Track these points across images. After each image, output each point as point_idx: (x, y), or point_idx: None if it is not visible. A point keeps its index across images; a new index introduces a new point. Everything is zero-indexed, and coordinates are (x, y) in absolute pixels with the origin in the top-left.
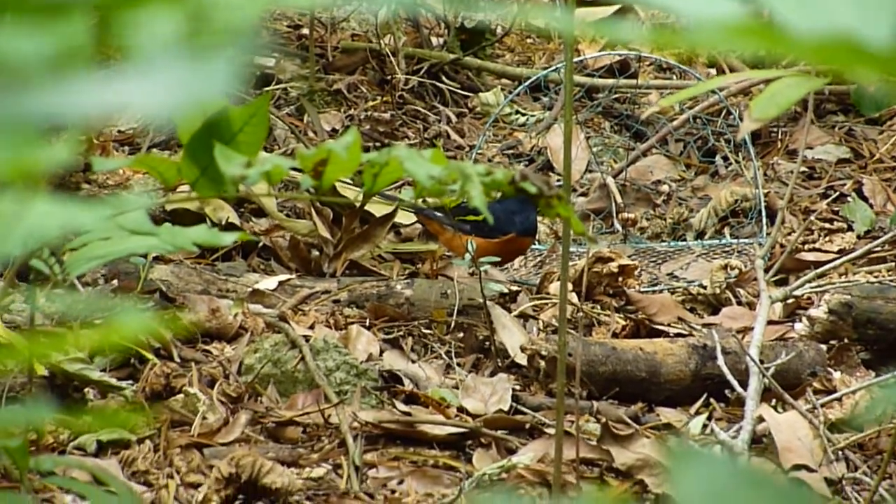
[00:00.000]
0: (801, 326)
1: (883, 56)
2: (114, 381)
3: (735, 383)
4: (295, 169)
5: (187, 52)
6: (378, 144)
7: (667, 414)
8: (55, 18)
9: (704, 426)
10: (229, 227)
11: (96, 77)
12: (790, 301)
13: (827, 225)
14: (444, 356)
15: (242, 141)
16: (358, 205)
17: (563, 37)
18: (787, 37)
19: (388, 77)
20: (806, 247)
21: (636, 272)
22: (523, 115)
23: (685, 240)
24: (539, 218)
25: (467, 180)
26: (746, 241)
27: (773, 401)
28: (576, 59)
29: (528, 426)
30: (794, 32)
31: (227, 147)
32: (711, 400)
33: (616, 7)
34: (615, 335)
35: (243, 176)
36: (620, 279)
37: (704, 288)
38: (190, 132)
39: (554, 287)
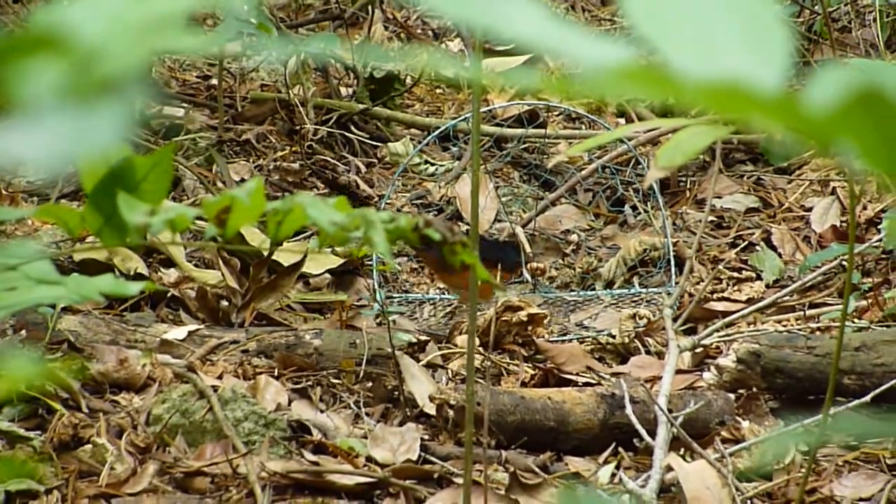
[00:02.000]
0: (709, 375)
1: (773, 101)
2: (22, 431)
3: (643, 432)
4: (200, 218)
5: (73, 103)
6: (288, 194)
7: (575, 463)
8: None
9: (613, 475)
10: (137, 277)
11: None
12: (699, 350)
13: (735, 274)
14: (352, 406)
15: (147, 189)
16: (266, 253)
17: (471, 87)
18: (677, 82)
19: (298, 127)
20: (715, 296)
21: (545, 321)
22: (432, 164)
23: (594, 289)
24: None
25: (370, 227)
26: (655, 290)
27: (682, 450)
28: (484, 109)
29: (436, 476)
30: (685, 77)
31: (130, 196)
32: (620, 449)
33: (525, 57)
34: (524, 384)
35: (147, 224)
36: (530, 328)
37: (613, 337)
38: (94, 181)
39: (462, 339)
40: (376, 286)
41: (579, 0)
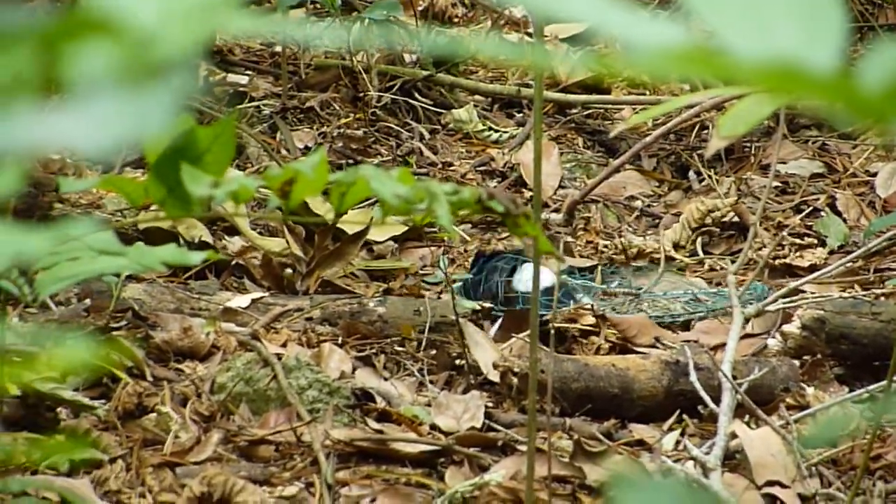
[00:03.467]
0: (774, 342)
1: (825, 82)
2: (86, 400)
3: (708, 399)
4: (264, 186)
5: (126, 86)
6: (351, 161)
7: (639, 430)
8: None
9: (677, 442)
10: (201, 244)
11: (40, 110)
12: (772, 312)
13: (798, 240)
14: (416, 373)
15: (209, 160)
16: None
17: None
18: (731, 63)
19: (361, 94)
20: (777, 262)
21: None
22: (496, 131)
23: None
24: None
25: (434, 199)
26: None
27: (746, 417)
28: (548, 76)
29: (500, 443)
30: (738, 57)
31: (194, 167)
32: (684, 416)
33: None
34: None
35: (210, 196)
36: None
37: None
38: (157, 152)
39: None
40: (441, 256)
41: None
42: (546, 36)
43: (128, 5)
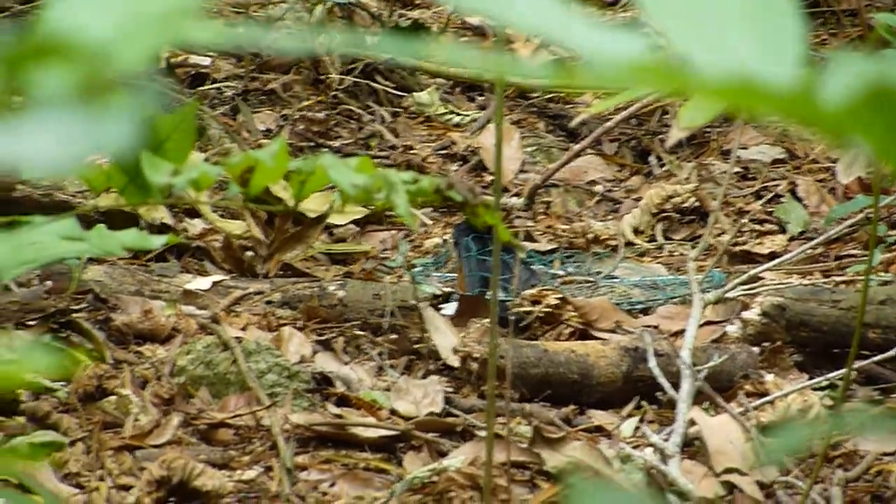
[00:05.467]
0: (734, 329)
1: (785, 97)
2: (47, 382)
3: (667, 385)
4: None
5: (83, 104)
6: (312, 144)
7: (599, 416)
8: None
9: (636, 429)
10: (163, 227)
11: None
12: (732, 299)
13: (758, 227)
14: (376, 358)
15: (170, 148)
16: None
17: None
18: (689, 77)
19: (323, 77)
20: (737, 248)
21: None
22: (458, 114)
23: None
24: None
25: (392, 189)
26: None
27: (706, 403)
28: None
29: (459, 429)
30: (697, 72)
31: (154, 155)
32: (643, 402)
33: None
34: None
35: (170, 184)
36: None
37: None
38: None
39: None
40: (401, 240)
41: None
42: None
43: (83, 22)
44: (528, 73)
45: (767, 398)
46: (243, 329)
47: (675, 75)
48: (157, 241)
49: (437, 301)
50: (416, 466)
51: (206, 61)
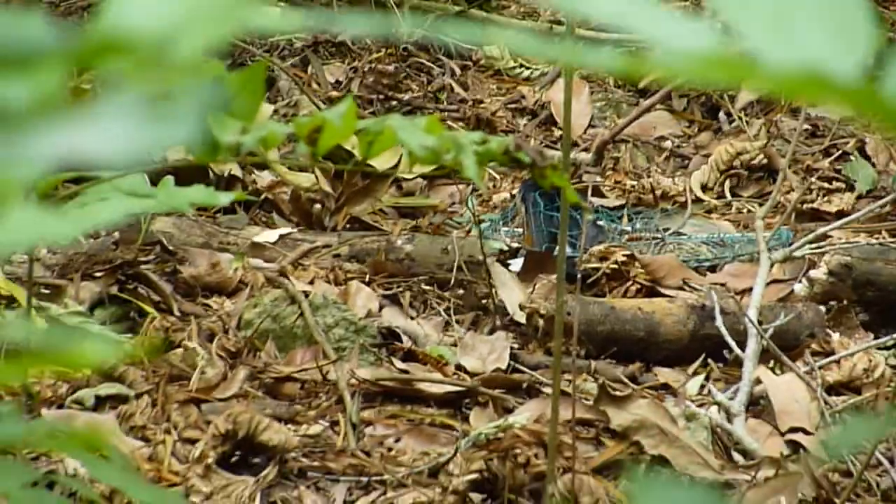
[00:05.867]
0: (800, 287)
1: (851, 91)
2: (113, 334)
3: (733, 344)
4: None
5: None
6: (382, 97)
7: (664, 374)
8: (31, 70)
9: (702, 387)
10: (231, 178)
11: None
12: (799, 258)
13: (826, 185)
14: (442, 313)
15: (239, 106)
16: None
17: None
18: (759, 69)
19: (393, 29)
20: (805, 206)
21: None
22: (528, 68)
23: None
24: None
25: (460, 150)
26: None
27: (771, 362)
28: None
29: (525, 385)
30: (767, 64)
31: (223, 113)
32: (709, 360)
33: None
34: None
35: (238, 143)
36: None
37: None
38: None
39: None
40: (470, 195)
41: None
42: None
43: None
44: (599, 63)
45: (833, 357)
46: (310, 283)
47: (745, 68)
48: (225, 198)
49: (505, 256)
50: (481, 423)
51: (277, 10)
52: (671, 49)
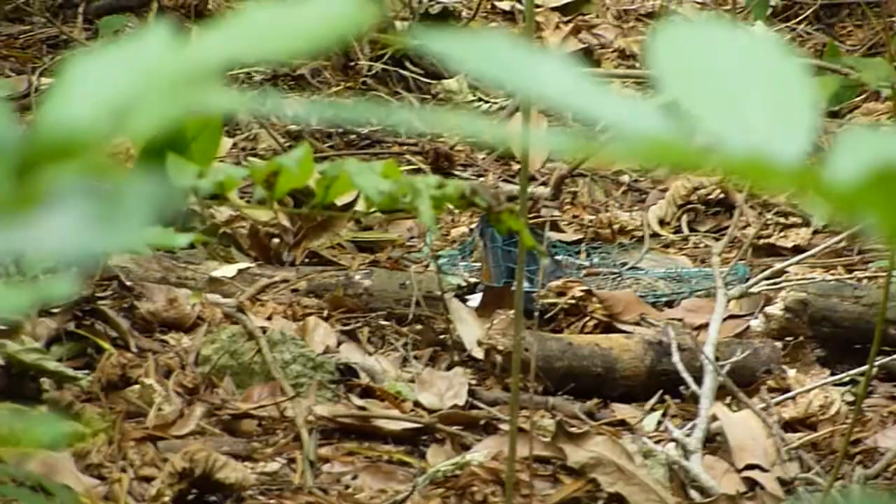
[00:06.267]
0: (757, 323)
1: (796, 175)
2: (70, 371)
3: (690, 380)
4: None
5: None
6: (341, 131)
7: (622, 410)
8: None
9: (659, 423)
10: (189, 212)
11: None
12: (755, 294)
13: (782, 220)
14: (400, 349)
15: (196, 149)
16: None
17: (525, 21)
18: (704, 155)
19: (352, 62)
20: (762, 241)
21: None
22: (486, 102)
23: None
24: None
25: (417, 195)
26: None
27: (728, 398)
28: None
29: (483, 422)
30: (711, 152)
31: (180, 156)
32: (666, 397)
33: None
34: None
35: (195, 187)
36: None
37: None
38: (143, 141)
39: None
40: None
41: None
42: (537, 5)
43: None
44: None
45: (789, 394)
46: (268, 318)
47: (695, 154)
48: (183, 240)
49: (463, 292)
50: (439, 459)
51: None
52: (622, 132)
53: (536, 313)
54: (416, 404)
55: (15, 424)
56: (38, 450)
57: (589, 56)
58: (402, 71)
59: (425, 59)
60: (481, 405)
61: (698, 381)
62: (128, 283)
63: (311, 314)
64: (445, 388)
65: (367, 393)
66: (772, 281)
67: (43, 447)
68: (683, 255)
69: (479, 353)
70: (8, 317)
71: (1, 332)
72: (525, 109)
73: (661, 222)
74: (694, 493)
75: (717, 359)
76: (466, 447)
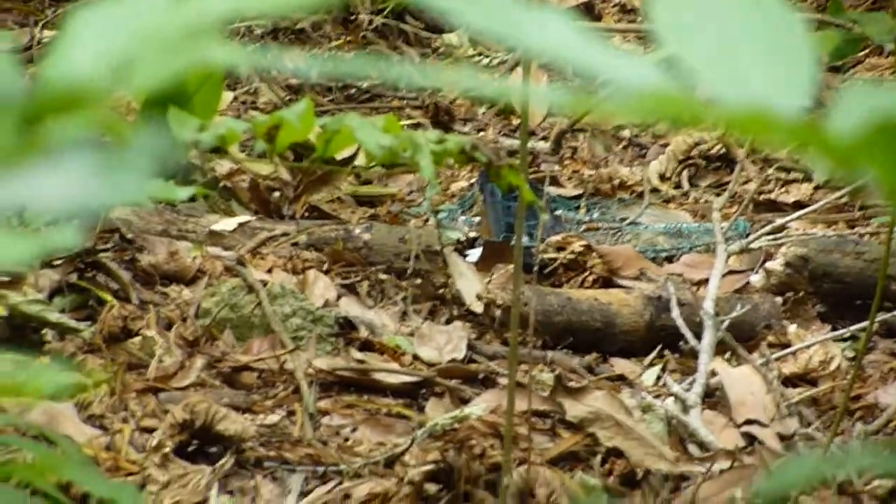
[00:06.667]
0: (757, 278)
1: (795, 128)
2: (72, 322)
3: (689, 335)
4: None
5: (99, 147)
6: (341, 85)
7: (621, 365)
8: None
9: (658, 378)
10: (190, 166)
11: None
12: (756, 249)
13: (784, 175)
14: (400, 303)
15: (198, 103)
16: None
17: None
18: (703, 108)
19: (353, 16)
20: (763, 197)
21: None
22: (487, 56)
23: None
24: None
25: (417, 150)
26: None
27: (728, 354)
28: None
29: (481, 376)
30: (710, 104)
31: (182, 110)
32: (666, 351)
33: None
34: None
35: (196, 140)
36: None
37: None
38: (145, 94)
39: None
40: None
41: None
42: None
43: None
44: (548, 99)
45: (789, 349)
46: (269, 271)
47: (691, 106)
48: (184, 193)
49: (462, 246)
50: (437, 413)
51: None
52: (623, 87)
53: (536, 268)
54: (416, 358)
55: (17, 375)
56: (41, 400)
57: (590, 11)
58: (402, 25)
59: (426, 14)
60: (480, 359)
61: (698, 336)
62: (129, 236)
63: (310, 268)
64: (444, 342)
65: (366, 346)
66: (772, 236)
67: (45, 397)
68: (684, 210)
69: (478, 308)
70: (11, 268)
71: (3, 284)
72: (525, 64)
73: (662, 177)
74: (693, 448)
75: (717, 314)
76: (465, 401)
